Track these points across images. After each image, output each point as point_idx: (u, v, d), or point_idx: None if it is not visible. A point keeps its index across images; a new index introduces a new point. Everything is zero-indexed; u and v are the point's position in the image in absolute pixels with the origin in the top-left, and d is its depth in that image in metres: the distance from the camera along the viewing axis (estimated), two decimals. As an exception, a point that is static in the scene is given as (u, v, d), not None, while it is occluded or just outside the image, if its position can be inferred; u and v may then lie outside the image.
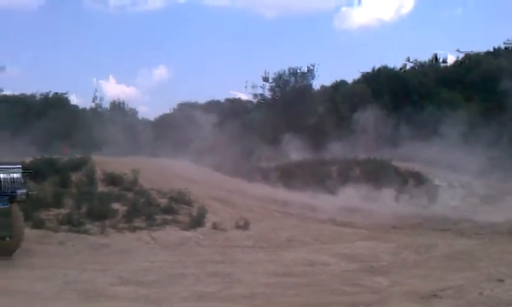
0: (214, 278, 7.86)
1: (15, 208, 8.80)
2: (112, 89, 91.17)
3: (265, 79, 51.21)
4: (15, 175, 8.46)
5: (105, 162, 17.51)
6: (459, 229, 14.17)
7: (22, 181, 8.72)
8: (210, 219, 13.44)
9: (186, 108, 63.24)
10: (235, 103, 63.44)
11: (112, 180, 15.51)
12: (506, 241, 12.51)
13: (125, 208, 13.28)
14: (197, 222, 12.96)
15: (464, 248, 11.06)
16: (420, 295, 6.73)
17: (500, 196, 22.09)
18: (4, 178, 8.28)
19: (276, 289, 7.31)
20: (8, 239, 8.68)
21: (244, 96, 62.80)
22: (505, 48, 45.35)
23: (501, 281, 7.59)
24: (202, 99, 63.47)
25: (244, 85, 50.51)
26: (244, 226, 13.11)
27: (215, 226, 12.85)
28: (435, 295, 6.66)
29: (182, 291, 6.93)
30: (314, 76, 51.79)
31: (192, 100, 64.49)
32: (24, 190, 8.66)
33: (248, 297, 6.72)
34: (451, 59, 53.55)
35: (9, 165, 8.59)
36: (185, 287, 7.21)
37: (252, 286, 7.43)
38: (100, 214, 12.46)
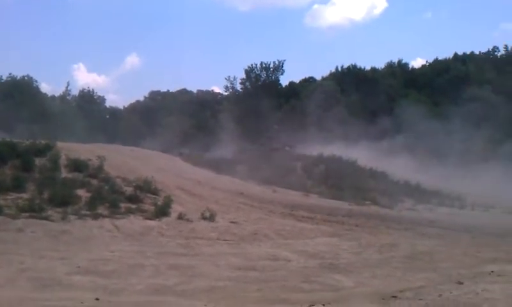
0: (174, 270, 7.76)
1: None
2: (84, 78, 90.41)
3: (248, 72, 51.24)
4: None
5: (71, 148, 17.23)
6: (421, 230, 14.33)
7: None
8: (176, 209, 13.30)
9: (157, 96, 63.04)
10: (206, 94, 63.38)
11: (77, 166, 15.26)
12: (468, 243, 12.72)
13: (88, 194, 13.04)
14: (162, 211, 12.80)
15: (426, 249, 11.17)
16: (379, 295, 6.75)
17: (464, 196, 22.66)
18: None
19: (238, 283, 7.26)
20: None
21: (216, 89, 62.79)
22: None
23: (460, 283, 7.68)
24: (173, 88, 63.42)
25: (221, 78, 50.86)
26: (210, 217, 13.00)
27: (180, 217, 12.68)
28: (395, 296, 6.69)
29: (139, 284, 6.81)
30: (283, 71, 52.18)
31: (164, 89, 64.51)
32: None
33: (207, 291, 6.65)
34: (419, 63, 54.63)
35: None
36: (143, 279, 7.09)
37: (213, 279, 7.36)
38: (62, 200, 12.18)
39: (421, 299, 6.65)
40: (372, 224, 14.73)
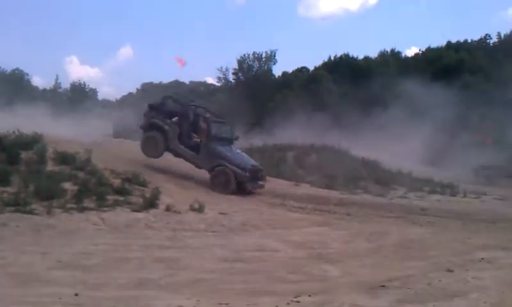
0: (159, 264, 7.57)
1: None
2: (77, 71, 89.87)
3: (240, 63, 51.07)
4: None
5: (58, 141, 16.95)
6: (412, 218, 14.24)
7: None
8: (164, 200, 13.05)
9: (149, 88, 62.74)
10: (199, 85, 63.15)
11: (64, 159, 14.98)
12: (458, 229, 12.66)
13: (75, 187, 12.80)
14: (150, 203, 12.54)
15: (416, 237, 11.08)
16: (367, 285, 6.63)
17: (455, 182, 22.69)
18: None
19: (223, 275, 7.11)
20: None
21: (210, 79, 62.57)
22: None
23: (450, 271, 7.61)
24: (167, 80, 63.20)
25: (215, 69, 50.26)
26: (199, 209, 12.81)
27: (168, 208, 12.43)
28: (383, 286, 6.57)
29: (121, 278, 6.62)
30: (276, 61, 52.07)
31: (157, 80, 64.24)
32: None
33: (191, 284, 6.49)
34: (413, 51, 54.61)
35: None
36: (126, 273, 6.90)
37: (198, 272, 7.20)
38: (48, 194, 11.87)
39: (410, 288, 6.54)
40: (363, 213, 14.63)
